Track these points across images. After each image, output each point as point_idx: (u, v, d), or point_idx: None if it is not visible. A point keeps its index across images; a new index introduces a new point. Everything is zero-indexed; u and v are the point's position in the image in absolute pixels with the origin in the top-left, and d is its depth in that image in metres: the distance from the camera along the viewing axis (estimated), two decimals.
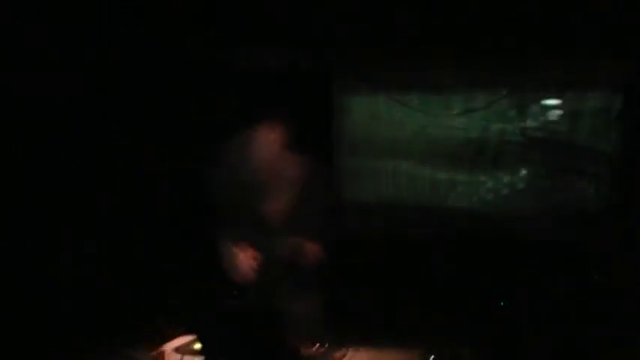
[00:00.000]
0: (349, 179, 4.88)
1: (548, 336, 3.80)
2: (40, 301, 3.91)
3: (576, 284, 4.17)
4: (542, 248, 4.44)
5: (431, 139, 4.78)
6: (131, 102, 4.34)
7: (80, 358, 3.80)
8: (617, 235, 4.36)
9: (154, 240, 4.39)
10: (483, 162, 4.73)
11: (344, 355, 2.98)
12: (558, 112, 4.60)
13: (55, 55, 4.11)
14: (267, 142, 2.98)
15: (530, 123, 4.64)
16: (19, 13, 4.01)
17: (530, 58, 4.43)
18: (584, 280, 4.17)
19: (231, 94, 4.29)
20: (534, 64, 4.48)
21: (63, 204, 4.15)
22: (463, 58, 4.47)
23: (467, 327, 4.00)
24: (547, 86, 4.59)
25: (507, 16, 4.18)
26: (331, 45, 4.46)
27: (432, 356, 3.25)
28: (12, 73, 4.01)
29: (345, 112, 4.89)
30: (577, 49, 4.30)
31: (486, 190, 4.77)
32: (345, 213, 4.73)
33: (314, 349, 2.82)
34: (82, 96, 4.19)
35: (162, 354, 3.13)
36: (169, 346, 3.14)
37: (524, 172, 4.68)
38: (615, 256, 4.23)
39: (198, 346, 2.95)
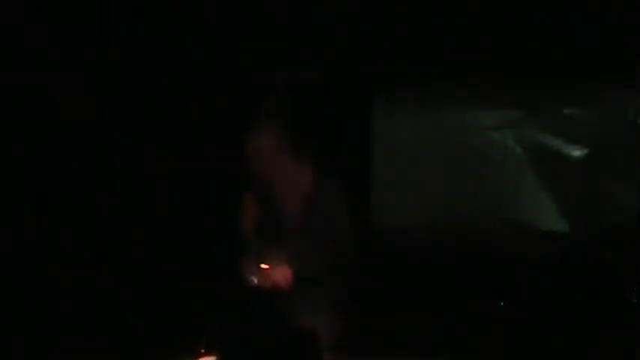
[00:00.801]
0: (376, 196, 4.72)
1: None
2: (40, 301, 3.91)
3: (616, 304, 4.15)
4: (579, 268, 4.39)
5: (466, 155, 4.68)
6: (131, 102, 4.34)
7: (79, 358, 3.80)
8: None
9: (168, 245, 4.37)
10: (523, 179, 4.63)
11: None
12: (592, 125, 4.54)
13: (55, 55, 4.12)
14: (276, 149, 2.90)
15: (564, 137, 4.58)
16: (19, 13, 4.02)
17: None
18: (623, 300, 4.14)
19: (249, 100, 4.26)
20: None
21: (63, 204, 4.15)
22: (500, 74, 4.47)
23: (493, 341, 4.00)
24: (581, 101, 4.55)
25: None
26: (358, 54, 4.46)
27: None
28: (12, 73, 4.02)
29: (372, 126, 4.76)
30: None
31: (525, 209, 4.64)
32: (370, 228, 4.56)
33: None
34: (82, 96, 4.20)
35: None
36: None
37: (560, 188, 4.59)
38: None
39: None
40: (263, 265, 2.92)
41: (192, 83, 4.43)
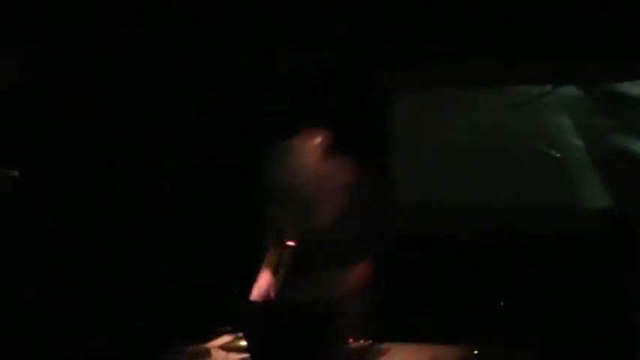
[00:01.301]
0: (400, 179, 4.68)
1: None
2: (40, 301, 3.90)
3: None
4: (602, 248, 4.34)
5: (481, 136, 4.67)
6: (132, 102, 4.35)
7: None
8: None
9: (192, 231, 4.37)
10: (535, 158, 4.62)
11: (387, 351, 2.98)
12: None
13: (55, 55, 4.12)
14: (310, 149, 2.89)
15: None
16: (20, 13, 4.02)
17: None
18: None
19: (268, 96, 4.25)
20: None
21: (63, 204, 4.15)
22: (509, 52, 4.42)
23: (513, 324, 3.95)
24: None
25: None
26: (374, 43, 4.42)
27: (475, 352, 3.25)
28: (12, 73, 4.02)
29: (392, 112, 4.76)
30: None
31: (543, 187, 4.60)
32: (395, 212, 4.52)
33: (358, 344, 2.83)
34: (83, 96, 4.20)
35: (207, 351, 3.15)
36: (215, 344, 3.16)
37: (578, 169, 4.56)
38: None
39: (243, 343, 2.96)
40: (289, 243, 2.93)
41: (208, 83, 4.43)
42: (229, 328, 3.28)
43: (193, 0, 4.35)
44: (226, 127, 4.32)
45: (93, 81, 4.23)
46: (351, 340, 2.81)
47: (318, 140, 2.90)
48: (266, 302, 2.79)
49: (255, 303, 2.79)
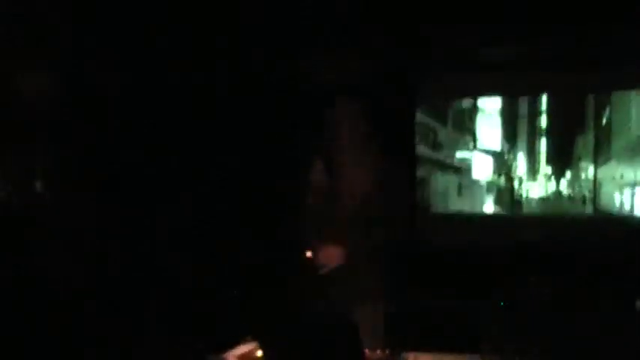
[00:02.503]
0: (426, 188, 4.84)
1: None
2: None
3: None
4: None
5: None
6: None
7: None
8: None
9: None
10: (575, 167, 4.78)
11: None
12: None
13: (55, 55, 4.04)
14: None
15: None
16: (19, 13, 3.93)
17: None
18: None
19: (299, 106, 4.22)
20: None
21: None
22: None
23: (536, 332, 3.90)
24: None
25: None
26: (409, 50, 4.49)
27: None
28: (13, 73, 3.95)
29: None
30: None
31: (573, 199, 4.77)
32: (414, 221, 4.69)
33: (376, 354, 2.85)
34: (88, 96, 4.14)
35: None
36: (231, 354, 3.15)
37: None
38: None
39: (260, 353, 2.92)
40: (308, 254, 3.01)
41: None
42: (246, 338, 3.30)
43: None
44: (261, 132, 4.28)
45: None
46: (367, 351, 2.79)
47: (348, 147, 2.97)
48: (285, 313, 2.85)
49: (275, 313, 2.87)
